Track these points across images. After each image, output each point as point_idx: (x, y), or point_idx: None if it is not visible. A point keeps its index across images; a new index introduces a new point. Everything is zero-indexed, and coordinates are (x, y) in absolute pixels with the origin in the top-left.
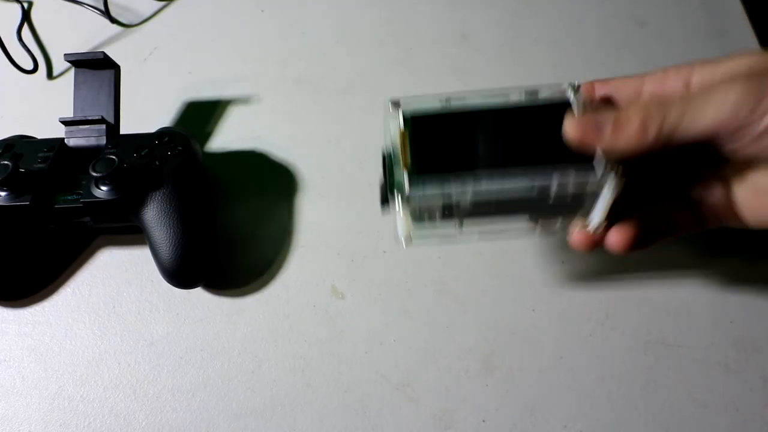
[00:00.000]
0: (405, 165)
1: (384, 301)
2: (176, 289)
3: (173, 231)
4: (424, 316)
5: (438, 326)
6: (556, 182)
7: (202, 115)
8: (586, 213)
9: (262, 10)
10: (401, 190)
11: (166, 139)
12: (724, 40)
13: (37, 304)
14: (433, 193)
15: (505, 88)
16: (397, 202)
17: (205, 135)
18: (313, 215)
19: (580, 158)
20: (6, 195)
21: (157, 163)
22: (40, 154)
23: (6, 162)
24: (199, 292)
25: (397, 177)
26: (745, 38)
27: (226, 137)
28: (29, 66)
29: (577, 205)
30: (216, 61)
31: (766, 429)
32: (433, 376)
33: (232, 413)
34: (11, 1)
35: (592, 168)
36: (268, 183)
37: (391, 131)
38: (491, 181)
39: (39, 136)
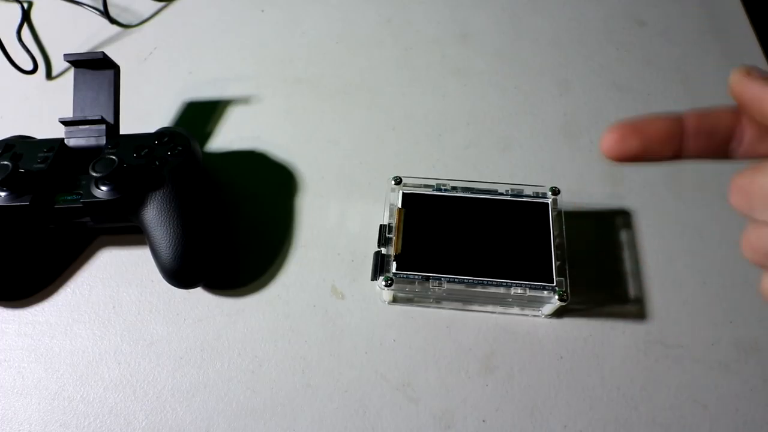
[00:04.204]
0: (396, 249)
1: (383, 301)
2: (176, 289)
3: (173, 231)
4: (424, 317)
5: (438, 326)
6: (513, 291)
7: (202, 115)
8: (540, 306)
9: (262, 10)
10: (389, 270)
11: (165, 139)
12: (724, 40)
13: (37, 304)
14: (411, 284)
15: (493, 183)
16: (384, 277)
17: (205, 135)
18: (313, 215)
19: (540, 270)
20: (6, 195)
21: (157, 163)
22: (40, 155)
23: (6, 162)
24: (199, 292)
25: (386, 259)
26: (745, 38)
27: (226, 137)
28: (29, 66)
29: (532, 302)
30: (216, 61)
31: (766, 429)
32: (433, 376)
33: (232, 413)
34: (11, 1)
35: (544, 287)
36: (268, 183)
37: (390, 203)
38: (460, 284)
39: (39, 136)
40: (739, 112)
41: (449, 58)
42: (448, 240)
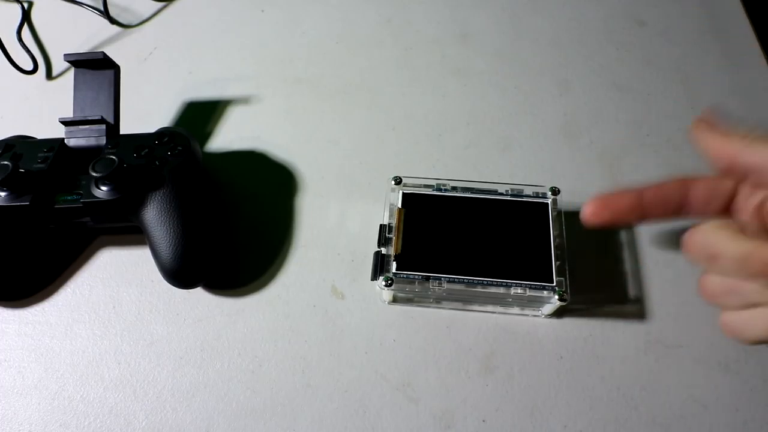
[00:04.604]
0: (396, 249)
1: (383, 301)
2: (176, 289)
3: (173, 231)
4: (424, 317)
5: (438, 326)
6: (513, 291)
7: (202, 115)
8: (540, 306)
9: (262, 10)
10: (389, 270)
11: (165, 139)
12: (724, 40)
13: (37, 304)
14: (411, 284)
15: (493, 183)
16: (384, 277)
17: (205, 135)
18: (313, 215)
19: (540, 270)
20: (6, 195)
21: (157, 163)
22: (40, 154)
23: (6, 162)
24: (199, 292)
25: (386, 259)
26: (745, 38)
27: (226, 137)
28: (29, 66)
29: (532, 301)
30: (216, 61)
31: (766, 429)
32: (433, 376)
33: (232, 413)
34: (11, 1)
35: (544, 287)
36: (268, 183)
37: (390, 203)
38: (460, 284)
39: (39, 136)
40: (687, 182)
41: (449, 58)
42: (448, 240)
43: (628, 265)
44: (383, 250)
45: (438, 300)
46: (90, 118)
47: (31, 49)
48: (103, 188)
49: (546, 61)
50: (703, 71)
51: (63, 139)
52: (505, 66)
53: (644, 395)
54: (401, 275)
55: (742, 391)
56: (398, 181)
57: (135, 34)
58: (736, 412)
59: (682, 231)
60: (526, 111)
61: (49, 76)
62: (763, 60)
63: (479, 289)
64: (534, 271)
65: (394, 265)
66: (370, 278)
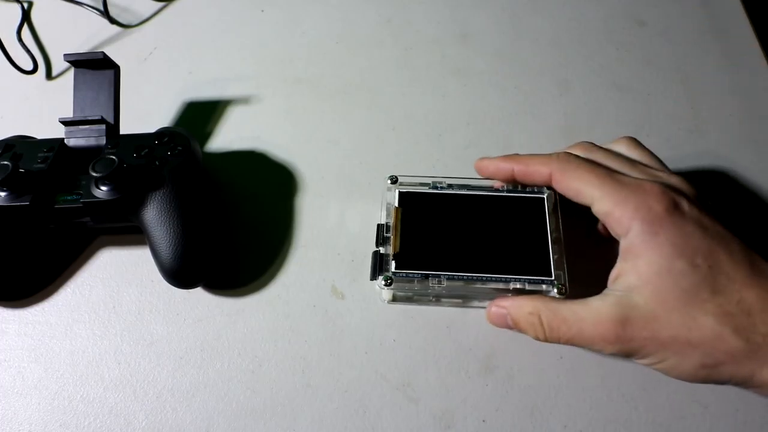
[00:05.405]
0: (395, 248)
1: (383, 301)
2: (176, 289)
3: (173, 231)
4: (424, 316)
5: (438, 326)
6: (512, 286)
7: (202, 115)
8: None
9: (262, 10)
10: (388, 269)
11: (165, 139)
12: (724, 40)
13: (37, 304)
14: (410, 283)
15: (490, 180)
16: (383, 277)
17: (205, 135)
18: (313, 215)
19: (538, 264)
20: (6, 195)
21: (157, 163)
22: (40, 154)
23: (6, 162)
24: (199, 292)
25: (384, 258)
26: (745, 38)
27: (226, 137)
28: (29, 66)
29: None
30: (216, 61)
31: (766, 429)
32: (433, 376)
33: (232, 413)
34: (11, 1)
35: (542, 281)
36: (268, 183)
37: (387, 202)
38: (460, 281)
39: (39, 136)
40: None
41: (449, 58)
42: (447, 237)
43: None
44: (382, 250)
45: (438, 298)
46: (90, 118)
47: (31, 49)
48: (103, 188)
49: (546, 61)
50: (703, 71)
51: (63, 139)
52: (505, 66)
53: (644, 395)
54: (400, 274)
55: (742, 391)
56: (394, 180)
57: (135, 34)
58: (736, 412)
59: None
60: (526, 111)
61: (49, 76)
62: (763, 60)
63: (479, 285)
64: (532, 266)
65: (393, 264)
66: (369, 278)
